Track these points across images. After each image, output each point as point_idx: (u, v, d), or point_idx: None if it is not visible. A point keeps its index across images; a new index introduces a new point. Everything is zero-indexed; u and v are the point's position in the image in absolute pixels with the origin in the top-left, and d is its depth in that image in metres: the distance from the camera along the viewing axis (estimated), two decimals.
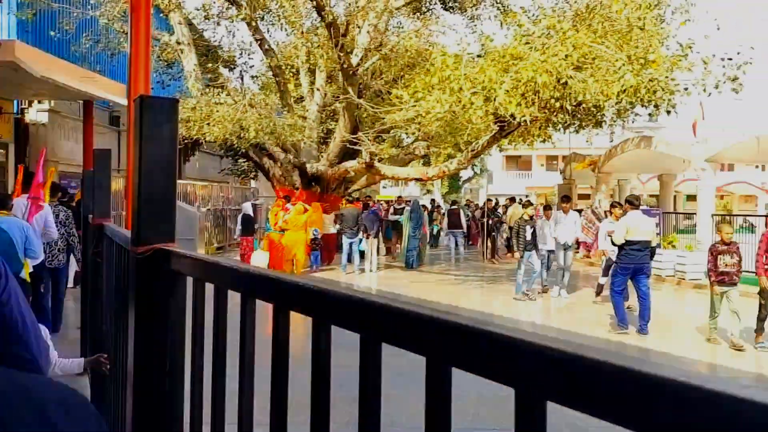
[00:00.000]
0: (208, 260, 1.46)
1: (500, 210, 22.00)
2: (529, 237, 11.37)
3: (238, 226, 14.56)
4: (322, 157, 17.97)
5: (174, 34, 17.47)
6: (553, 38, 10.17)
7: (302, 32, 18.05)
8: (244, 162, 33.79)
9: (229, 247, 20.24)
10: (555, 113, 10.31)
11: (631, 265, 8.93)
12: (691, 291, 13.30)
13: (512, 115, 10.28)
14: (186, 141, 16.32)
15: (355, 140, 15.34)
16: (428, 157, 18.96)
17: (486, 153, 12.52)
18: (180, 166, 26.06)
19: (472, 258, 19.23)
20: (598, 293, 11.38)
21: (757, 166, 48.18)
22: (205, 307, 1.47)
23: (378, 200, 19.55)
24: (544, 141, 13.04)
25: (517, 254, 11.61)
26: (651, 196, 44.12)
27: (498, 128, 11.12)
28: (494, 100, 10.19)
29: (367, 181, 18.53)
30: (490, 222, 17.93)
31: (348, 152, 17.62)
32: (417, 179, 14.00)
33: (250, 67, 19.84)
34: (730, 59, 9.48)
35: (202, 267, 1.46)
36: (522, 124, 10.49)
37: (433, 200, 32.46)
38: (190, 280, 1.56)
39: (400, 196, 18.40)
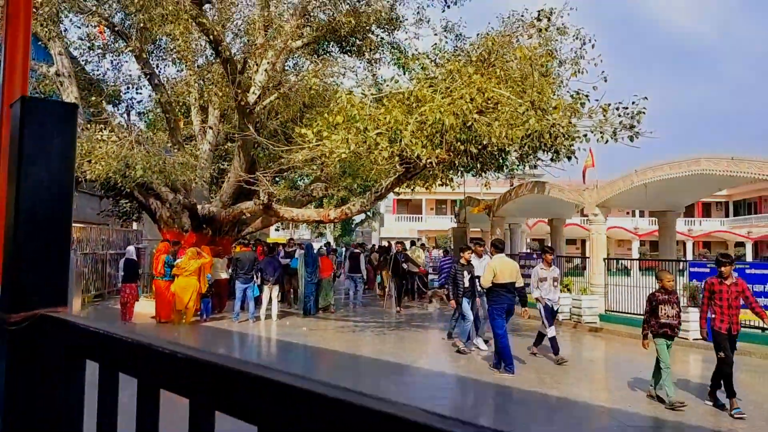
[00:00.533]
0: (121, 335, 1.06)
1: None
2: (467, 283, 10.74)
3: (120, 272, 13.37)
4: (213, 198, 17.13)
5: (53, 65, 16.18)
6: (457, 82, 10.18)
7: (195, 68, 17.34)
8: (126, 203, 31.95)
9: (108, 295, 18.70)
10: (459, 156, 10.25)
11: (505, 305, 9.34)
12: (588, 334, 13.57)
13: (418, 157, 10.13)
14: None
15: (251, 180, 14.68)
16: (323, 199, 18.59)
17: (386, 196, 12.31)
18: None
19: (371, 302, 18.85)
20: (536, 344, 10.75)
21: (628, 212, 51.86)
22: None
23: (270, 243, 18.81)
24: (444, 184, 13.01)
25: (452, 302, 11.07)
26: (534, 239, 46.13)
27: (403, 170, 10.93)
28: (400, 141, 10.00)
29: (261, 223, 17.82)
30: (405, 267, 17.56)
31: (243, 193, 16.90)
32: (318, 221, 13.52)
33: (138, 102, 18.76)
34: (626, 108, 9.85)
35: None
36: (428, 166, 10.34)
37: (328, 243, 31.91)
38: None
39: (291, 239, 17.80)
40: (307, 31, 16.53)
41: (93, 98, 17.16)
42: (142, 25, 14.05)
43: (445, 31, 17.72)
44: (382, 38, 18.67)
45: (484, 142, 9.74)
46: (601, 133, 9.78)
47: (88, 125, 15.39)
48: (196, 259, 13.38)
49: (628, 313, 13.82)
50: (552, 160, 10.33)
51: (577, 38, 10.64)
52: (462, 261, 10.95)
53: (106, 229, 19.91)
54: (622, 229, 47.05)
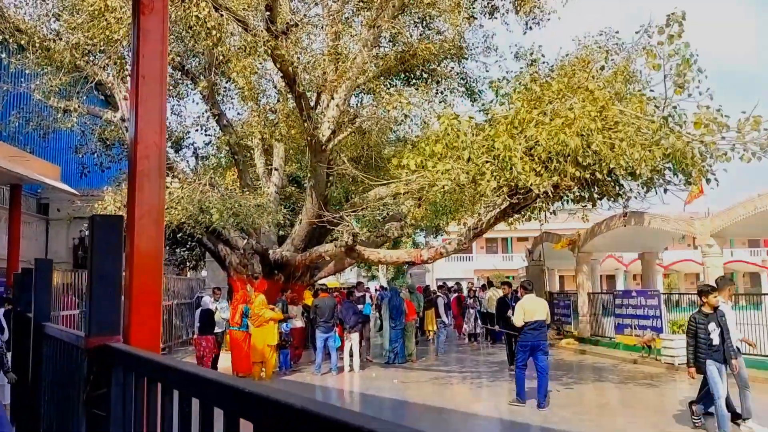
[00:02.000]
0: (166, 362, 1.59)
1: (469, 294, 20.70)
2: (716, 340, 7.62)
3: (197, 323, 12.42)
4: (284, 242, 16.24)
5: (118, 110, 15.69)
6: (572, 99, 9.08)
7: (257, 108, 16.70)
8: (183, 251, 31.48)
9: (175, 346, 17.81)
10: (577, 183, 9.08)
11: (529, 343, 9.68)
12: None
13: (529, 187, 9.01)
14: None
15: (328, 221, 13.76)
16: (398, 239, 17.57)
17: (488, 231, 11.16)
18: None
19: (453, 349, 17.54)
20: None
21: (688, 245, 49.33)
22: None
23: (348, 288, 17.74)
24: (544, 216, 11.80)
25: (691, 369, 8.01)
26: (608, 276, 44.08)
27: (509, 203, 9.80)
28: (510, 169, 8.90)
29: (335, 267, 16.82)
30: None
31: (314, 235, 15.99)
32: (409, 262, 12.42)
33: (203, 145, 18.13)
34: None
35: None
36: (541, 196, 9.19)
37: (382, 287, 30.40)
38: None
39: (360, 282, 16.60)
40: (376, 64, 15.76)
41: None
42: (214, 60, 13.45)
43: (516, 58, 16.78)
44: (452, 67, 17.82)
45: (612, 166, 8.56)
46: (745, 150, 8.49)
47: None
48: (267, 308, 12.40)
49: (761, 355, 12.24)
50: (686, 183, 9.06)
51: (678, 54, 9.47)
52: (705, 309, 7.84)
53: (171, 278, 19.16)
54: (692, 261, 44.59)
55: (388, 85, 17.51)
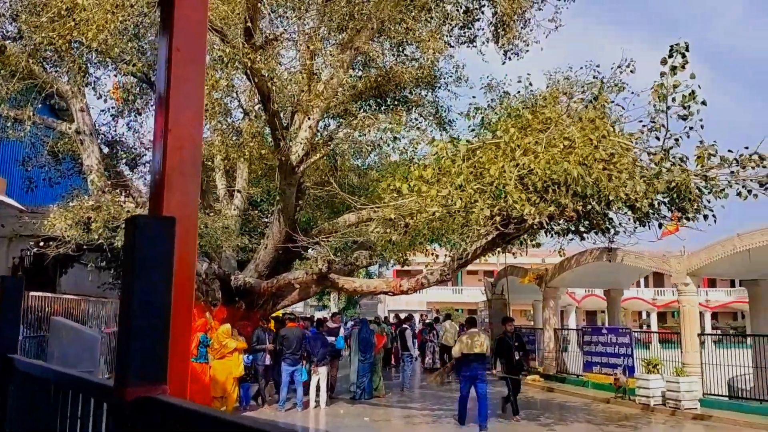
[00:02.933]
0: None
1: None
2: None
3: None
4: (246, 267, 15.42)
5: (74, 122, 14.72)
6: (567, 127, 8.79)
7: (219, 127, 15.99)
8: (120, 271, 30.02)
9: None
10: (572, 215, 8.73)
11: (469, 374, 10.51)
12: (689, 423, 11.73)
13: (522, 218, 8.62)
14: (61, 252, 13.31)
15: (298, 247, 13.06)
16: (367, 268, 16.95)
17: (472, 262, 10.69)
18: (56, 279, 22.11)
19: (417, 384, 16.89)
20: None
21: (638, 284, 50.20)
22: None
23: (317, 318, 16.97)
24: (525, 248, 11.44)
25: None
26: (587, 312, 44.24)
27: (499, 233, 9.37)
28: (504, 197, 8.50)
29: (299, 296, 16.02)
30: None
31: (280, 261, 15.23)
32: (386, 292, 11.81)
33: None
34: (763, 158, 8.45)
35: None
36: (534, 227, 8.81)
37: (335, 313, 29.61)
38: None
39: (335, 313, 15.80)
40: (351, 86, 15.32)
41: (110, 161, 15.66)
42: None
43: (487, 88, 16.57)
44: (425, 94, 17.51)
45: (611, 198, 8.25)
46: (743, 187, 8.32)
47: (108, 188, 13.86)
48: (231, 338, 11.55)
49: (735, 397, 12.07)
50: (681, 219, 8.81)
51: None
52: None
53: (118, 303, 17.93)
54: (639, 299, 45.35)
55: (361, 110, 17.08)
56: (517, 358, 11.54)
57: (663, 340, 18.96)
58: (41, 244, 13.83)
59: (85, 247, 12.85)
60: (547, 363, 17.56)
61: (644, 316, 50.74)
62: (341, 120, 15.76)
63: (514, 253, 14.16)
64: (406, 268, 15.95)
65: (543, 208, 8.45)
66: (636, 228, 9.61)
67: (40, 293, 13.73)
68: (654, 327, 44.78)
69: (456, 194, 8.28)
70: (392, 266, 27.29)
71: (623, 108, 10.09)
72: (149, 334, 1.67)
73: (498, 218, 8.82)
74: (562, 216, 8.63)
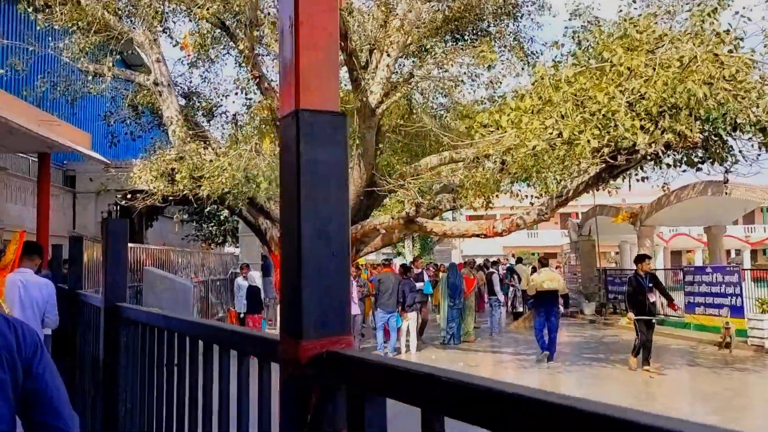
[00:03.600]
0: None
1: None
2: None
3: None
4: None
5: (151, 73, 14.61)
6: (667, 48, 7.86)
7: None
8: (211, 226, 30.53)
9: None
10: (697, 140, 7.86)
11: (543, 308, 11.45)
12: None
13: (634, 146, 7.84)
14: (148, 204, 13.31)
15: (385, 191, 12.68)
16: (452, 211, 16.45)
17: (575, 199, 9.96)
18: (143, 232, 22.66)
19: (504, 329, 16.47)
20: None
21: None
22: None
23: (405, 263, 16.70)
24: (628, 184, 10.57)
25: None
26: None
27: (605, 166, 8.61)
28: (615, 126, 7.72)
29: (382, 241, 15.73)
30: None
31: (361, 208, 14.91)
32: (479, 235, 11.27)
33: (239, 112, 17.02)
34: None
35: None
36: (649, 157, 8.02)
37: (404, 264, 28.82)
38: None
39: (417, 257, 15.25)
40: (430, 19, 14.51)
41: (188, 112, 15.54)
42: (257, 16, 12.32)
43: (574, 15, 15.37)
44: (506, 24, 16.48)
45: (738, 121, 7.35)
46: None
47: (190, 139, 13.75)
48: None
49: None
50: None
51: None
52: None
53: (207, 254, 18.23)
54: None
55: (438, 46, 16.27)
56: (651, 300, 10.51)
57: (756, 278, 17.77)
58: (129, 196, 13.99)
59: (171, 198, 12.84)
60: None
61: (733, 254, 48.34)
62: (419, 57, 15.02)
63: (609, 192, 13.28)
64: (479, 213, 15.15)
65: (658, 136, 7.65)
66: (759, 155, 8.63)
67: (131, 244, 13.90)
68: (747, 265, 42.59)
69: (562, 124, 7.58)
70: (463, 212, 26.50)
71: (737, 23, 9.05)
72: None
73: (606, 150, 8.07)
74: (682, 144, 7.79)
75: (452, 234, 11.94)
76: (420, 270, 13.96)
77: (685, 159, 9.22)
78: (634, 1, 9.88)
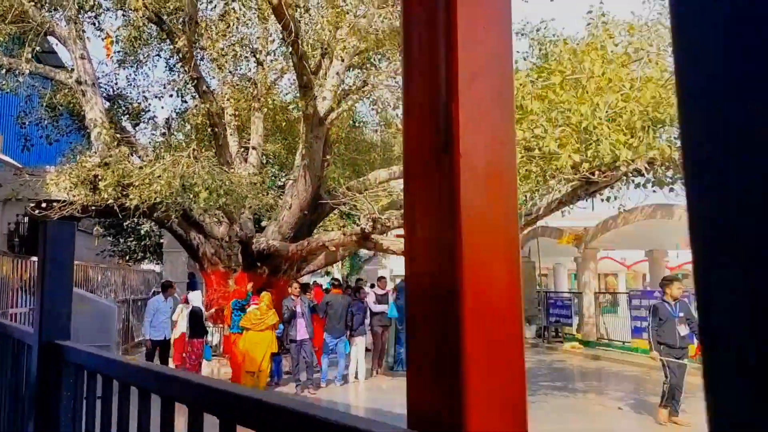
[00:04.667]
0: None
1: None
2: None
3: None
4: (264, 230, 14.16)
5: (73, 71, 13.24)
6: (647, 60, 7.51)
7: (228, 80, 14.60)
8: (131, 241, 28.58)
9: (131, 350, 15.36)
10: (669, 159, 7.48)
11: None
12: None
13: (615, 165, 7.40)
14: (66, 214, 11.94)
15: (331, 204, 11.83)
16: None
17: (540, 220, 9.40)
18: None
19: None
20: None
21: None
22: None
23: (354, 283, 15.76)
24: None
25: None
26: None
27: (582, 183, 8.13)
28: (597, 141, 7.25)
29: (326, 259, 14.84)
30: None
31: (304, 223, 13.96)
32: None
33: (172, 117, 15.75)
34: None
35: None
36: (630, 174, 7.59)
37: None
38: None
39: (382, 277, 14.14)
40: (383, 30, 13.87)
41: (112, 116, 14.19)
42: (196, 13, 11.29)
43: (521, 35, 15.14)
44: None
45: None
46: None
47: (114, 144, 12.47)
48: (271, 308, 10.34)
49: None
50: None
51: None
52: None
53: (128, 271, 16.74)
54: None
55: (393, 54, 15.62)
56: (682, 334, 8.17)
57: None
58: (43, 205, 12.51)
59: (92, 208, 11.52)
60: (587, 329, 16.52)
61: (649, 279, 49.90)
62: (374, 66, 14.30)
63: (563, 212, 12.93)
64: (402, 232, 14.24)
65: (642, 152, 7.21)
66: None
67: (34, 258, 12.44)
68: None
69: (548, 135, 7.01)
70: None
71: None
72: None
73: (586, 165, 7.57)
74: (663, 161, 7.39)
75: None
76: (384, 291, 12.86)
77: (653, 180, 8.87)
78: (603, 15, 9.55)
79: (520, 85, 7.43)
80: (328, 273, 51.14)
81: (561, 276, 25.33)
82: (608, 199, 9.81)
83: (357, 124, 17.32)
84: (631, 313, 14.85)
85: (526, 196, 8.88)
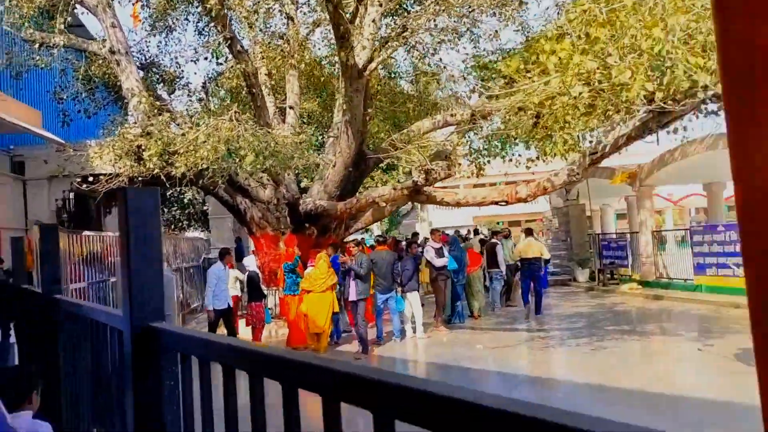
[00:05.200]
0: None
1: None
2: None
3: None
4: (308, 190, 13.90)
5: (106, 41, 12.96)
6: None
7: (262, 39, 14.17)
8: (174, 210, 28.79)
9: (186, 317, 15.42)
10: None
11: (527, 272, 12.93)
12: None
13: (690, 92, 6.82)
14: (113, 187, 11.74)
15: (376, 158, 11.46)
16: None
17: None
18: (101, 219, 20.92)
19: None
20: None
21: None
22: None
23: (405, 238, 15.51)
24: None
25: None
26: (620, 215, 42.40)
27: (655, 114, 7.58)
28: (670, 67, 6.67)
29: (373, 216, 14.53)
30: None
31: (349, 180, 13.65)
32: (498, 202, 10.14)
33: (206, 82, 15.44)
34: None
35: None
36: (710, 100, 7.02)
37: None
38: None
39: (435, 229, 13.55)
40: None
41: (147, 85, 13.92)
42: None
43: None
44: None
45: None
46: None
47: (154, 111, 12.24)
48: (329, 268, 10.12)
49: None
50: None
51: None
52: None
53: (178, 240, 16.74)
54: None
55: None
56: None
57: None
58: (90, 179, 12.44)
59: (139, 179, 11.37)
60: (646, 269, 16.00)
61: (693, 213, 48.54)
62: (408, 12, 13.68)
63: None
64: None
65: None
66: None
67: (90, 232, 12.36)
68: None
69: (614, 66, 6.47)
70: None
71: None
72: None
73: (660, 95, 7.02)
74: None
75: (467, 203, 10.79)
76: (439, 245, 12.35)
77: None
78: None
79: (584, 11, 6.86)
80: (367, 230, 51.14)
81: (609, 217, 24.60)
82: (675, 130, 9.21)
83: (392, 75, 16.75)
84: (693, 250, 14.28)
85: (582, 135, 8.38)
